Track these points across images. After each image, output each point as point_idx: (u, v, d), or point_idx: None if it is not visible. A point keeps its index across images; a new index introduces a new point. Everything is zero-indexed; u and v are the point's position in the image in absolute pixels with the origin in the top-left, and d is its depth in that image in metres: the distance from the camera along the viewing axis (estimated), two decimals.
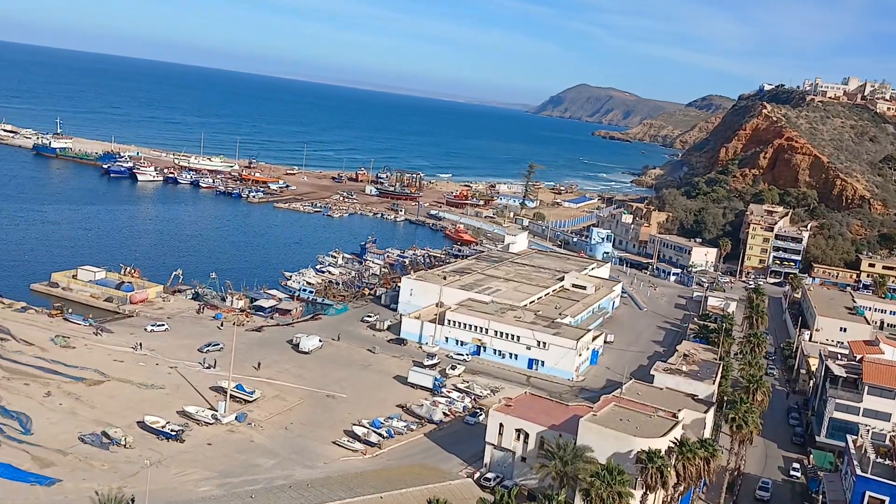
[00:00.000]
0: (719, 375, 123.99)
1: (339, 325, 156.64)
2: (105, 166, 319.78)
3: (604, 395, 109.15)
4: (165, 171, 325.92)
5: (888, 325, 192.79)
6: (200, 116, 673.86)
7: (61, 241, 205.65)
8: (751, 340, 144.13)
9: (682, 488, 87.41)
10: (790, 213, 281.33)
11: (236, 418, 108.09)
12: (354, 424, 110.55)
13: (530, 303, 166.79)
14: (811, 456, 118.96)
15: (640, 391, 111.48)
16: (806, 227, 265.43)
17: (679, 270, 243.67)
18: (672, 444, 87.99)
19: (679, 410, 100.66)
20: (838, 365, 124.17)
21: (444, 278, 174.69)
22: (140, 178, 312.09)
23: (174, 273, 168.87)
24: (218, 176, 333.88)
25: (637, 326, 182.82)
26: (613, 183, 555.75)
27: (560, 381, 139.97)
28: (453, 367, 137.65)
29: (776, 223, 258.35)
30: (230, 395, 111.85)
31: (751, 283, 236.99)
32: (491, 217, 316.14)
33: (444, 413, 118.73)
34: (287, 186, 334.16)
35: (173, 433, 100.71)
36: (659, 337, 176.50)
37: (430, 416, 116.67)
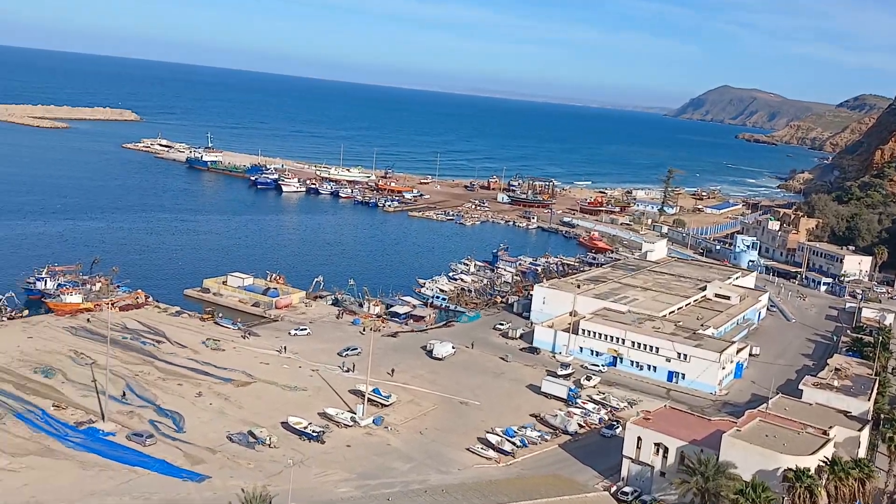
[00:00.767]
0: (875, 391, 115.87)
1: (472, 332, 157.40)
2: (252, 178, 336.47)
3: (748, 409, 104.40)
4: (308, 182, 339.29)
5: None
6: (340, 129, 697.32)
7: (212, 249, 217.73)
8: None
9: None
10: None
11: (373, 421, 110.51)
12: (488, 432, 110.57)
13: (670, 313, 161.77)
14: None
15: (788, 406, 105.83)
16: None
17: (830, 280, 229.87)
18: (822, 463, 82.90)
19: (830, 427, 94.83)
20: None
21: (579, 287, 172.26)
22: (284, 189, 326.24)
23: (315, 279, 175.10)
24: (356, 186, 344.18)
25: (784, 339, 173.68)
26: (759, 188, 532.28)
27: (702, 394, 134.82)
28: (588, 378, 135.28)
29: None
30: (367, 398, 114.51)
31: None
32: (627, 224, 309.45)
33: (579, 424, 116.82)
34: (421, 195, 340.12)
35: (315, 434, 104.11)
36: (808, 350, 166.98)
37: (565, 427, 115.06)
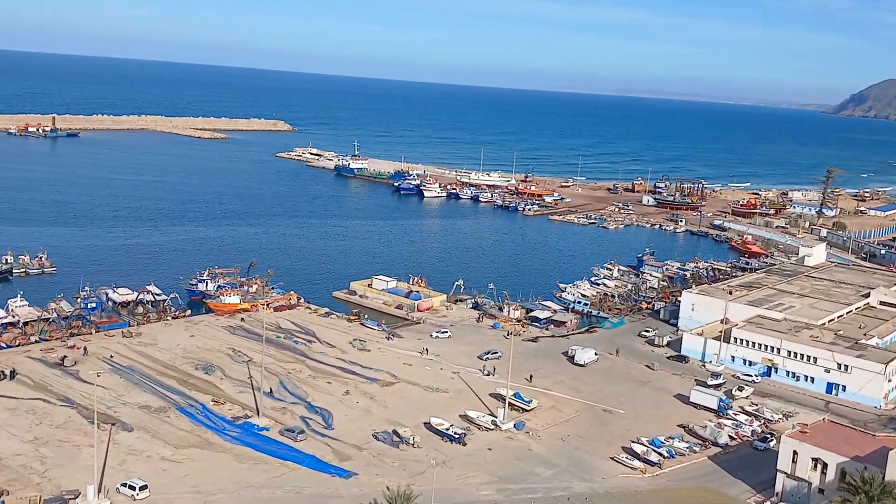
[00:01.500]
0: None
1: (615, 338, 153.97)
2: (396, 184, 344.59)
3: None
4: (449, 187, 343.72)
5: None
6: (481, 134, 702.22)
7: (359, 252, 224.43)
8: None
9: None
10: None
11: (514, 426, 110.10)
12: (633, 441, 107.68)
13: (829, 321, 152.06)
14: None
15: None
16: None
17: None
18: None
19: None
20: None
21: (730, 293, 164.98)
22: (426, 194, 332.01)
23: (456, 283, 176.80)
24: (496, 191, 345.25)
25: None
26: None
27: (865, 408, 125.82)
28: (740, 389, 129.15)
29: None
30: (508, 402, 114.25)
31: None
32: (783, 227, 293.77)
33: (730, 436, 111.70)
34: (562, 199, 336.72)
35: (457, 436, 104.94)
36: None
37: (715, 439, 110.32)
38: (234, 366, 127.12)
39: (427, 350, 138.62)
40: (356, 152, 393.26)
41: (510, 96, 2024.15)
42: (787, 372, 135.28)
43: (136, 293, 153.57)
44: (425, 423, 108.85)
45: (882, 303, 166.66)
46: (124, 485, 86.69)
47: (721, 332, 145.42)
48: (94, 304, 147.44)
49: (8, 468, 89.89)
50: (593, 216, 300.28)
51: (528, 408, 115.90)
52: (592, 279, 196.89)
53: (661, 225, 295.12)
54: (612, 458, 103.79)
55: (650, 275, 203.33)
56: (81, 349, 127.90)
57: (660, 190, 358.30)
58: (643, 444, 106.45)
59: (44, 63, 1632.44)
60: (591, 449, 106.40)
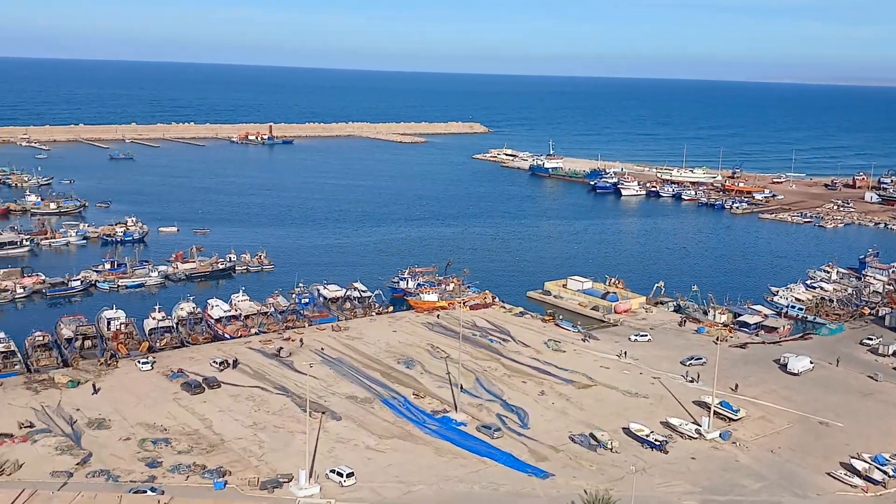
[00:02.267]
0: None
1: (833, 346, 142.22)
2: (592, 183, 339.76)
3: None
4: (648, 185, 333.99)
5: None
6: (684, 130, 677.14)
7: (553, 252, 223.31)
8: None
9: None
10: None
11: (720, 435, 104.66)
12: (853, 457, 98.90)
13: None
14: None
15: None
16: None
17: None
18: None
19: None
20: None
21: None
22: (624, 192, 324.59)
23: (656, 285, 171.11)
24: (700, 188, 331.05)
25: None
26: None
27: None
28: None
29: None
30: (714, 411, 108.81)
31: None
32: None
33: None
34: (773, 196, 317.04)
35: (657, 443, 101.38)
36: None
37: None
38: (433, 361, 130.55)
39: (625, 353, 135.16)
40: (551, 151, 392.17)
41: (722, 88, 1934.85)
42: None
43: (344, 290, 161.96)
44: (624, 429, 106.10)
45: None
46: (333, 471, 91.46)
47: None
48: (307, 300, 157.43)
49: (231, 450, 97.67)
50: (809, 214, 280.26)
51: (734, 417, 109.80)
52: (808, 282, 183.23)
53: (886, 224, 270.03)
54: (829, 474, 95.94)
55: (874, 278, 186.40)
56: (298, 341, 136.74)
57: (885, 185, 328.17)
58: (865, 461, 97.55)
59: (259, 76, 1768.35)
60: (804, 463, 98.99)
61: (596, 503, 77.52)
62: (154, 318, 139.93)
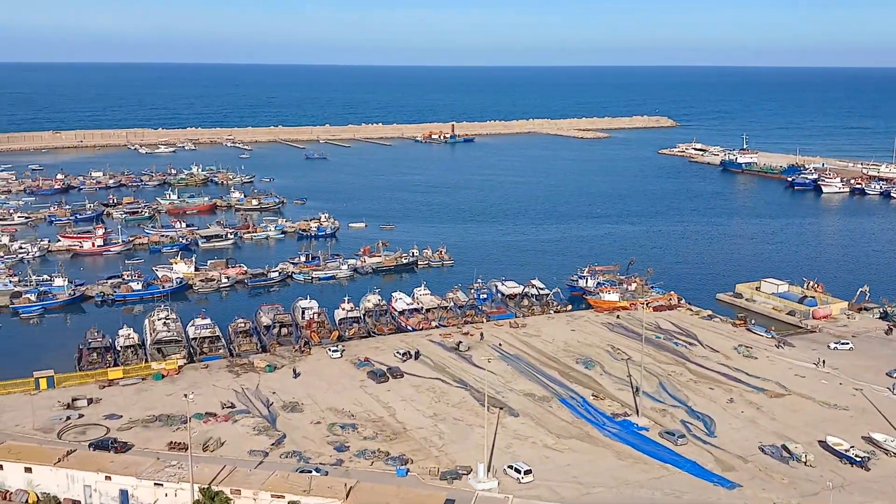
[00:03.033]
0: None
1: None
2: (789, 179, 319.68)
3: None
4: (852, 181, 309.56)
5: None
6: (894, 122, 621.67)
7: (746, 253, 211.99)
8: None
9: None
10: None
11: None
12: None
13: None
14: None
15: None
16: None
17: None
18: None
19: None
20: None
21: None
22: (825, 189, 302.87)
23: (860, 290, 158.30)
24: None
25: None
26: None
27: None
28: None
29: None
30: None
31: None
32: None
33: None
34: None
35: (858, 459, 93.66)
36: None
37: None
38: (613, 362, 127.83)
39: (823, 362, 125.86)
40: (745, 146, 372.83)
41: None
42: None
43: (522, 287, 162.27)
44: (820, 442, 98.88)
45: None
46: (511, 467, 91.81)
47: None
48: (485, 296, 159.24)
49: (412, 439, 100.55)
50: None
51: None
52: None
53: None
54: None
55: None
56: (479, 335, 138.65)
57: None
58: None
59: (441, 76, 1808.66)
60: None
61: None
62: (343, 309, 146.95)
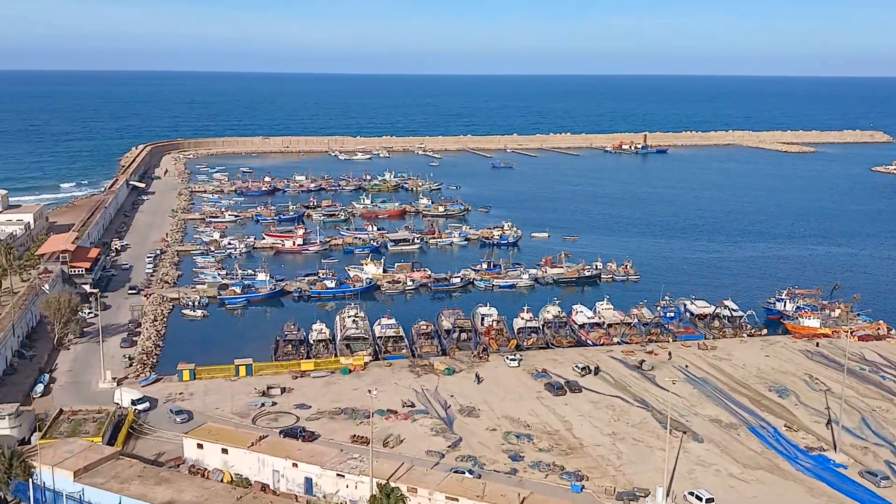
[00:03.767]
0: None
1: None
2: None
3: None
4: None
5: None
6: None
7: None
8: None
9: None
10: None
11: None
12: None
13: None
14: None
15: None
16: None
17: None
18: None
19: None
20: None
21: None
22: None
23: None
24: None
25: None
26: None
27: None
28: None
29: None
30: None
31: None
32: None
33: None
34: None
35: None
36: None
37: None
38: (810, 393, 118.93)
39: None
40: None
41: None
42: None
43: (713, 307, 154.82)
44: None
45: None
46: (692, 493, 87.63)
47: None
48: (672, 314, 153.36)
49: (588, 456, 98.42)
50: None
51: None
52: None
53: None
54: None
55: None
56: (666, 354, 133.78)
57: None
58: None
59: (631, 84, 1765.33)
60: None
61: None
62: (522, 318, 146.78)
